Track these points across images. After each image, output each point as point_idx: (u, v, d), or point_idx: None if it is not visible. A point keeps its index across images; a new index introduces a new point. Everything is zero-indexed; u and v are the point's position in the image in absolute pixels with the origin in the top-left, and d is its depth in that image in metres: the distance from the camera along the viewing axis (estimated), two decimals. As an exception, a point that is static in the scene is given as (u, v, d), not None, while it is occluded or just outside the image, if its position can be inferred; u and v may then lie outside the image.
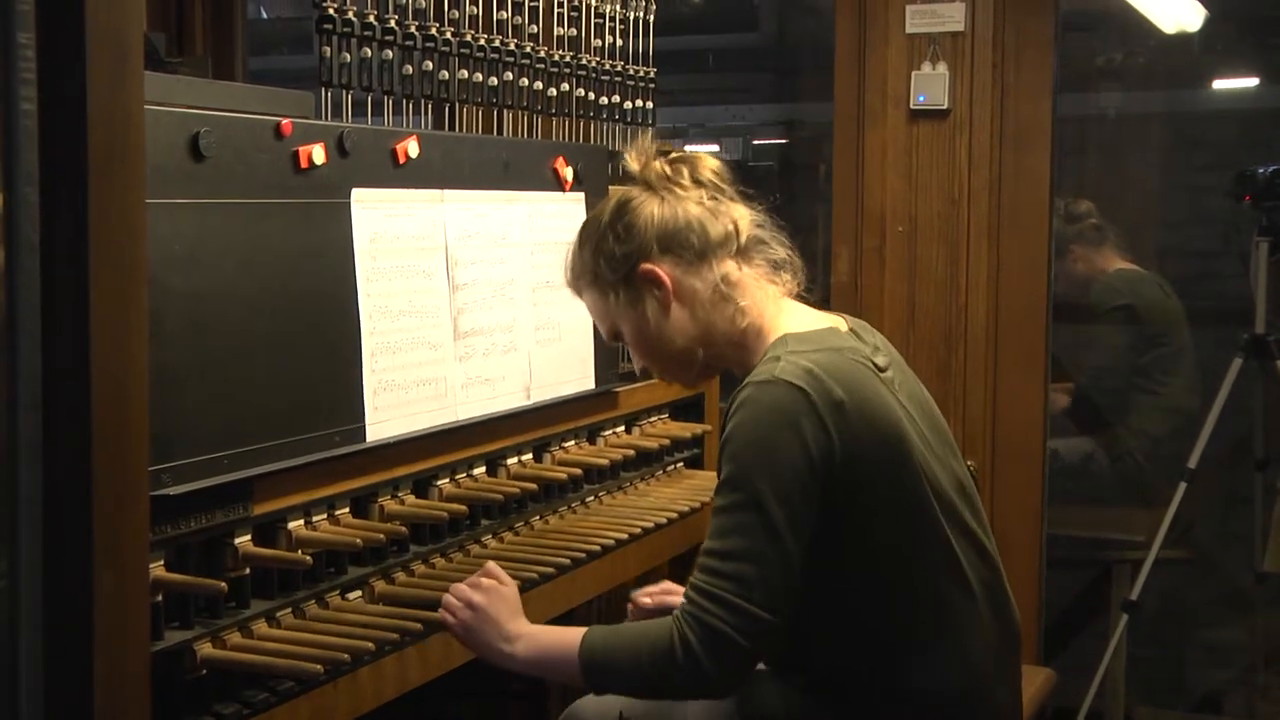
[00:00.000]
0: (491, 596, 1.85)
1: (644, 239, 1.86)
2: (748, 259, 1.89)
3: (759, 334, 1.87)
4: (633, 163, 1.92)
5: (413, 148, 2.06)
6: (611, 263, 1.88)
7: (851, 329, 1.90)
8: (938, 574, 1.81)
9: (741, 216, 1.90)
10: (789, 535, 1.69)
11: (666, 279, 1.86)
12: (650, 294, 1.87)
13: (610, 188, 2.00)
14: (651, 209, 1.87)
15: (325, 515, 1.87)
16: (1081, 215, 3.98)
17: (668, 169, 1.89)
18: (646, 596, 2.09)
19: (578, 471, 2.36)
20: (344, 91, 2.07)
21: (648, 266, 1.86)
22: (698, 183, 1.89)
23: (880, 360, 1.85)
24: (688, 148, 3.44)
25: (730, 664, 1.70)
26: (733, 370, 1.94)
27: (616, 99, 2.74)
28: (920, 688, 1.80)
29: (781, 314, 1.88)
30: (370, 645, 1.70)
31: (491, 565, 1.93)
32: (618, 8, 2.74)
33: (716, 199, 1.89)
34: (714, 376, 1.98)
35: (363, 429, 1.93)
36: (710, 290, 1.86)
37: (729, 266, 1.87)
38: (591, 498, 2.45)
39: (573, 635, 1.81)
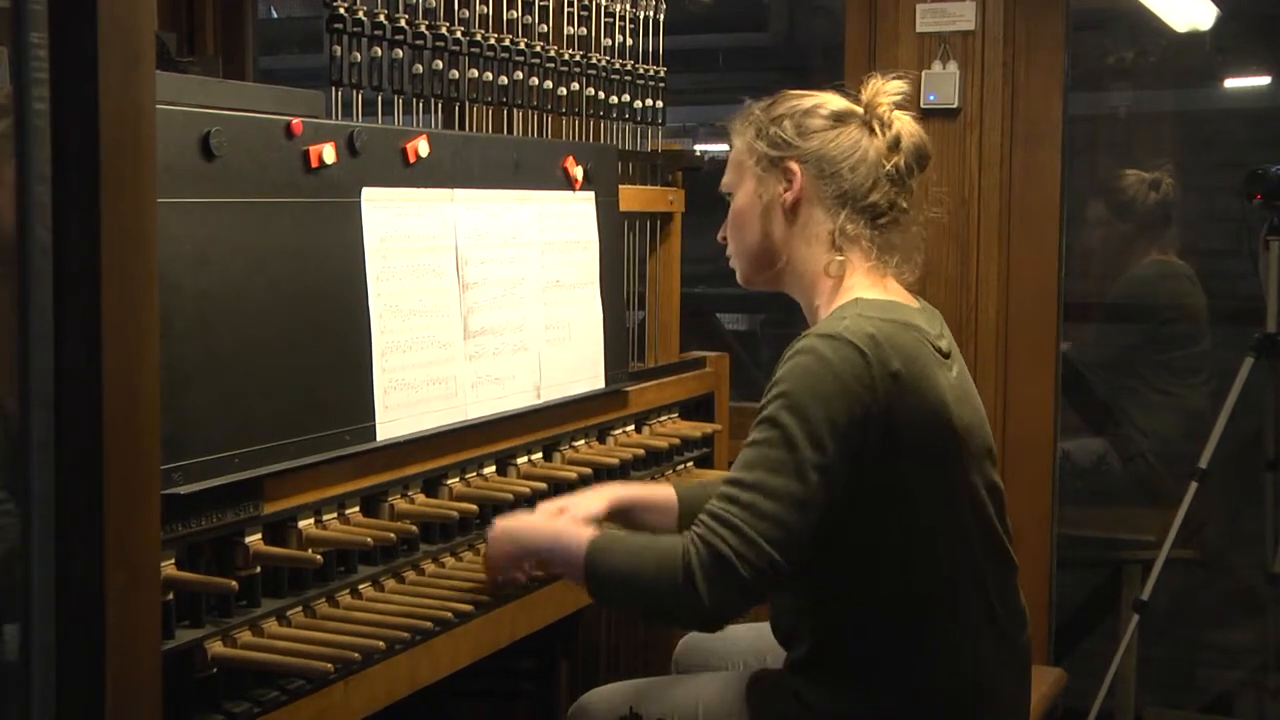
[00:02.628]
0: (502, 529, 1.91)
1: (813, 148, 1.89)
2: (877, 229, 1.89)
3: (838, 290, 1.89)
4: (866, 91, 1.91)
5: (423, 147, 2.06)
6: (776, 140, 1.90)
7: (921, 310, 1.91)
8: (959, 566, 1.81)
9: (900, 203, 1.90)
10: (815, 481, 1.69)
11: (800, 189, 1.88)
12: (780, 187, 1.90)
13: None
14: (841, 131, 1.89)
15: (336, 514, 1.88)
16: (1170, 202, 3.92)
17: (885, 116, 1.90)
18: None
19: (588, 471, 2.36)
20: (354, 91, 2.08)
21: (795, 166, 1.88)
22: (896, 147, 1.89)
23: (943, 345, 1.86)
24: (698, 148, 3.45)
25: (726, 591, 1.68)
26: (797, 300, 1.96)
27: (626, 98, 2.74)
28: (912, 670, 1.79)
29: (869, 284, 1.88)
30: (381, 644, 1.70)
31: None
32: (627, 7, 2.74)
33: (900, 174, 1.89)
34: (769, 288, 2.00)
35: (373, 428, 1.94)
36: (826, 230, 1.89)
37: (855, 225, 1.88)
38: (601, 497, 2.44)
39: (584, 534, 1.82)
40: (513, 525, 1.93)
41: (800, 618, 1.88)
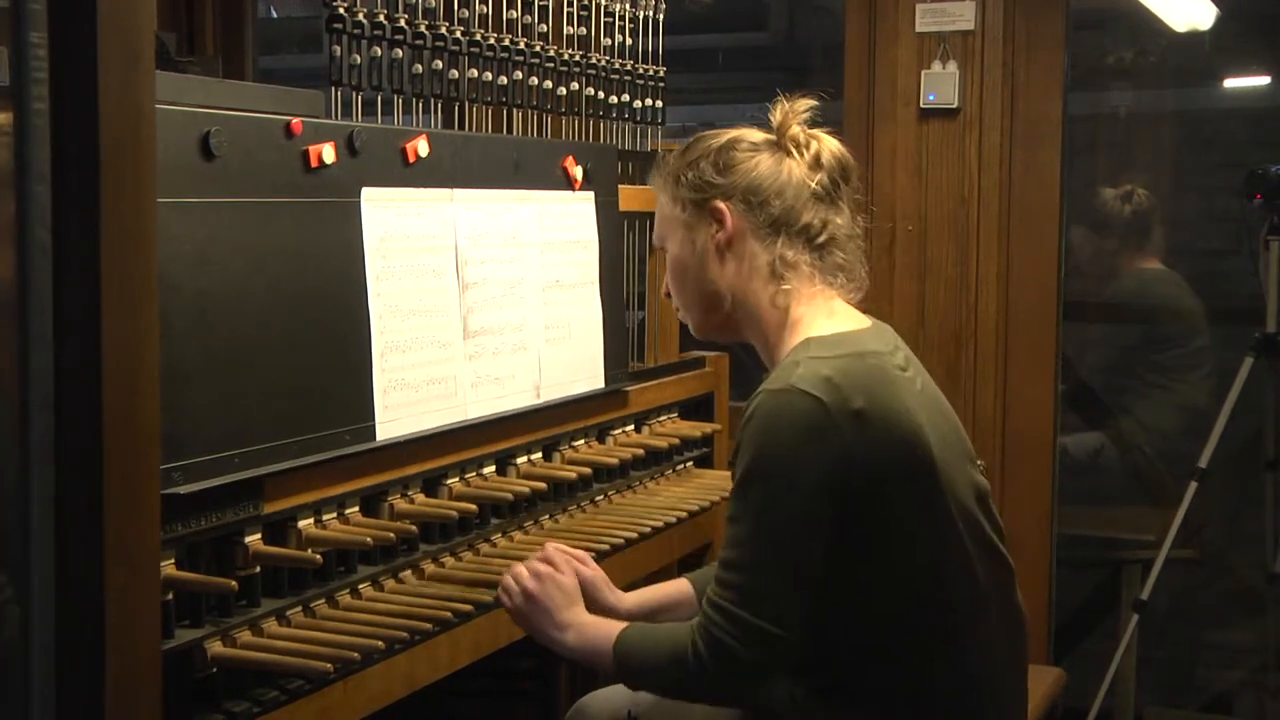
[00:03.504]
0: (547, 585, 1.87)
1: (735, 181, 1.86)
2: (815, 252, 1.86)
3: (789, 326, 1.85)
4: (775, 115, 1.90)
5: (422, 147, 2.06)
6: (696, 183, 1.88)
7: (872, 329, 1.88)
8: (954, 580, 1.79)
9: (835, 219, 1.87)
10: (799, 547, 1.68)
11: (731, 226, 1.85)
12: (710, 229, 1.87)
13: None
14: (760, 160, 1.87)
15: (335, 514, 1.88)
16: (1144, 211, 3.96)
17: (800, 137, 1.88)
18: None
19: (587, 471, 2.36)
20: (354, 91, 2.07)
21: (722, 205, 1.85)
22: (818, 165, 1.87)
23: (899, 360, 1.83)
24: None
25: (735, 675, 1.70)
26: (751, 341, 1.93)
27: (626, 98, 2.74)
28: (924, 692, 1.78)
29: (818, 314, 1.85)
30: (380, 644, 1.70)
31: (551, 550, 1.94)
32: (627, 7, 2.74)
33: (827, 190, 1.87)
34: (725, 337, 1.98)
35: (372, 428, 1.94)
36: (765, 261, 1.85)
37: (793, 250, 1.85)
38: (601, 497, 2.45)
39: (613, 630, 1.82)
40: (545, 592, 1.87)
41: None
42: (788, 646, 1.70)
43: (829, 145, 1.89)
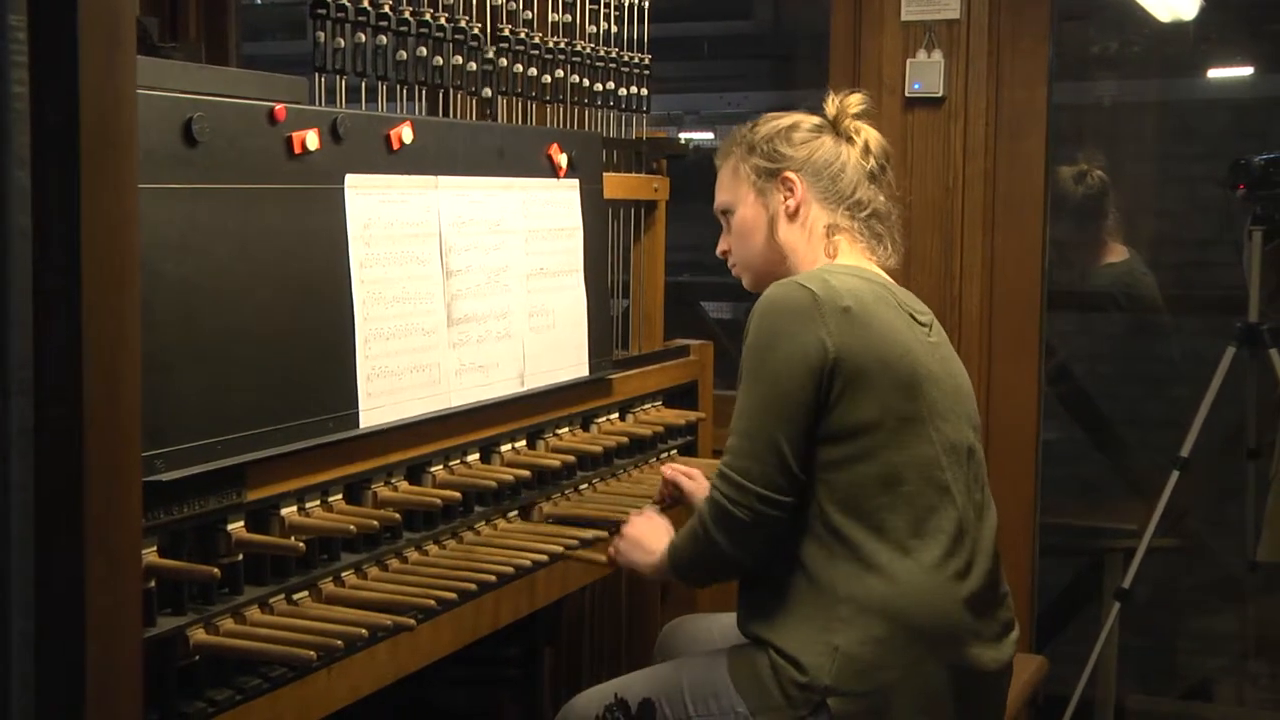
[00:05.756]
0: (635, 523, 2.19)
1: (805, 157, 2.13)
2: (863, 221, 2.14)
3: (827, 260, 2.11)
4: (830, 107, 2.17)
5: (407, 134, 2.06)
6: (771, 154, 2.14)
7: (904, 290, 2.10)
8: (922, 495, 1.92)
9: (878, 198, 2.15)
10: (786, 416, 1.90)
11: (800, 192, 2.12)
12: (781, 195, 2.13)
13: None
14: (823, 141, 2.15)
15: (319, 501, 1.87)
16: (1095, 194, 3.93)
17: (851, 128, 2.16)
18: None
19: (571, 458, 2.36)
20: (338, 77, 2.07)
21: (793, 175, 2.12)
22: (868, 152, 2.15)
23: (922, 317, 2.06)
24: (683, 135, 3.46)
25: (735, 534, 1.94)
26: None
27: (611, 85, 2.73)
28: (883, 608, 1.88)
29: (851, 260, 2.10)
30: (364, 632, 1.69)
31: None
32: (613, -6, 2.73)
33: (874, 174, 2.15)
34: None
35: (356, 415, 1.93)
36: (824, 225, 2.12)
37: (846, 220, 2.13)
38: (585, 485, 2.45)
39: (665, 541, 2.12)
40: (634, 541, 2.18)
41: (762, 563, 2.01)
42: (778, 506, 1.92)
43: (875, 136, 2.18)
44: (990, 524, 2.01)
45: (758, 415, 1.93)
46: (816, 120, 2.18)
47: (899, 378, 1.93)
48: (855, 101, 2.17)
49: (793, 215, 2.12)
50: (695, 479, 2.25)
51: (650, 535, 2.15)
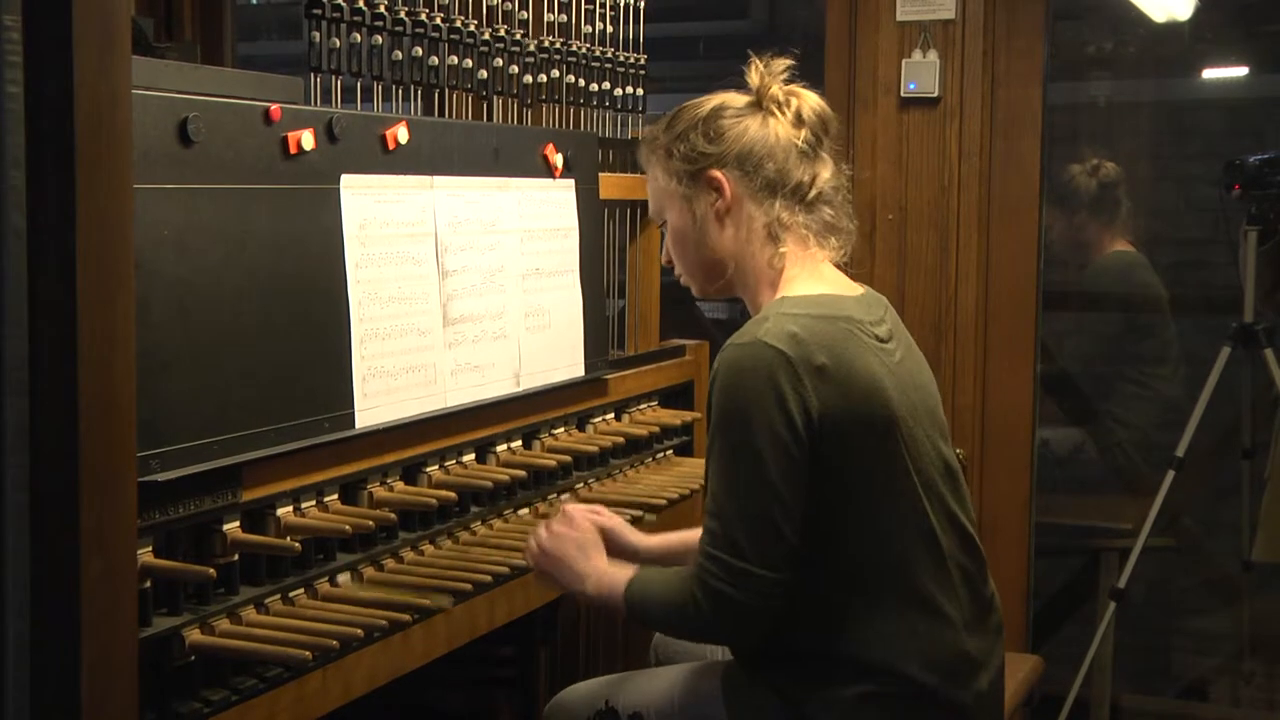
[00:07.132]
0: (562, 541, 1.95)
1: (727, 148, 1.91)
2: (808, 210, 1.92)
3: (776, 285, 1.91)
4: (753, 76, 1.94)
5: (402, 134, 2.05)
6: (689, 155, 1.92)
7: (861, 297, 1.92)
8: (913, 547, 1.82)
9: (822, 173, 1.93)
10: (771, 493, 1.73)
11: (729, 192, 1.90)
12: (709, 198, 1.92)
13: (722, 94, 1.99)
14: (748, 124, 1.91)
15: (314, 502, 1.87)
16: (1111, 183, 3.96)
17: (780, 96, 1.92)
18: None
19: (567, 459, 2.36)
20: (333, 77, 2.06)
21: (718, 174, 1.90)
22: (800, 121, 1.92)
23: (882, 332, 1.88)
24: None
25: (733, 619, 1.77)
26: (743, 301, 1.99)
27: (606, 85, 2.73)
28: (883, 661, 1.80)
29: (807, 276, 1.91)
30: (359, 632, 1.69)
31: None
32: (608, -6, 2.73)
33: (811, 146, 1.92)
34: (724, 297, 2.05)
35: (352, 415, 1.93)
36: (762, 224, 1.91)
37: (788, 211, 1.91)
38: (581, 485, 2.45)
39: (624, 578, 1.89)
40: (560, 548, 1.96)
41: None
42: (778, 585, 1.75)
43: (809, 100, 1.94)
44: (975, 540, 1.92)
45: (747, 495, 1.74)
46: (741, 99, 1.94)
47: (877, 428, 1.79)
48: (779, 66, 1.94)
49: (725, 217, 1.91)
50: (603, 513, 2.06)
51: (581, 557, 1.94)
